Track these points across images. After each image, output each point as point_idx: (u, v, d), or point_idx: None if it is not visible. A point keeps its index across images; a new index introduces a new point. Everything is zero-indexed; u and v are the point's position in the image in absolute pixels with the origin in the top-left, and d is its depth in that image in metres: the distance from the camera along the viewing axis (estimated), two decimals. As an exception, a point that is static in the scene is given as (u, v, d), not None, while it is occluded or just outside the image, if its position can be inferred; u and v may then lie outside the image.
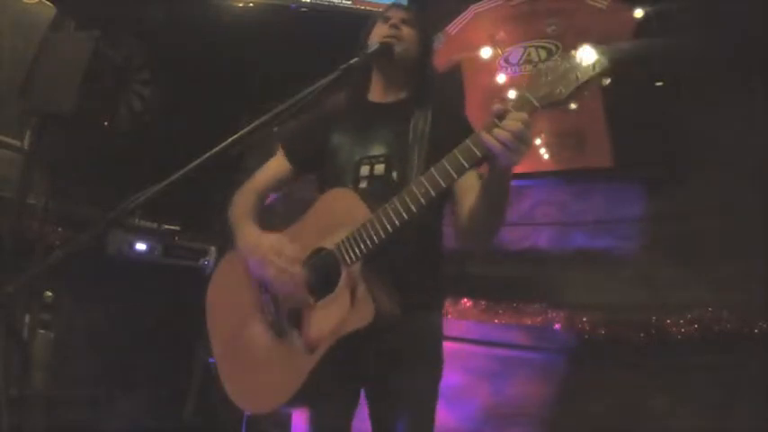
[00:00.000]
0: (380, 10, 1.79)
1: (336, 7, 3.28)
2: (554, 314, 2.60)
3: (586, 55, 1.14)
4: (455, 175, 1.24)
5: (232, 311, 1.56)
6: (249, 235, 1.51)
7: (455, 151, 1.24)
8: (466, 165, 1.22)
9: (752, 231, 2.39)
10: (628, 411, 2.44)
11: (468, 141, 1.23)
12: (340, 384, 1.47)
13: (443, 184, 1.25)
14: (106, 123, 3.20)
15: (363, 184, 1.50)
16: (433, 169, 1.26)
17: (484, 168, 1.32)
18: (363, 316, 1.27)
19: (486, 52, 3.12)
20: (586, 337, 2.52)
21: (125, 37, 3.28)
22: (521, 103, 1.19)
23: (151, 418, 3.28)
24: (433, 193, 1.25)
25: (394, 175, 1.48)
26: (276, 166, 1.68)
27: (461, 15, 3.25)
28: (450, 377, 2.78)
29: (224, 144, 1.24)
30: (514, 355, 2.74)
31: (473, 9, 3.23)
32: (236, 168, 4.03)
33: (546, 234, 2.88)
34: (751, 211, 2.40)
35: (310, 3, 3.27)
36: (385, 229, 1.29)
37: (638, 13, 2.71)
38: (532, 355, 2.70)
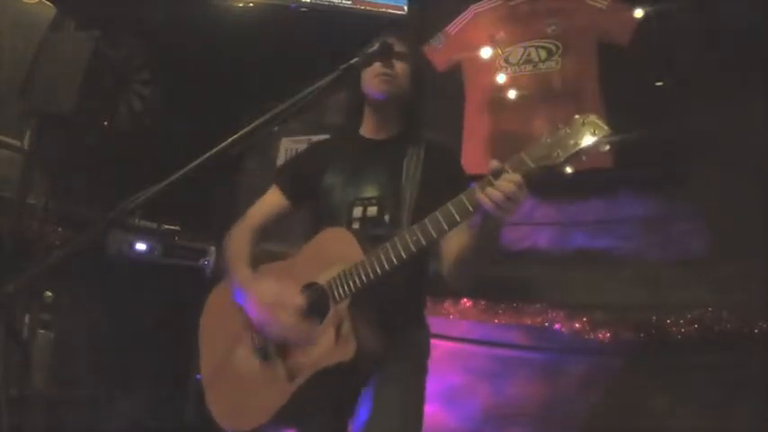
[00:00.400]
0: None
1: (336, 7, 3.28)
2: (554, 314, 2.60)
3: (588, 122, 1.17)
4: (447, 228, 1.28)
5: (223, 335, 1.60)
6: (244, 280, 1.54)
7: (449, 205, 1.28)
8: (458, 219, 1.26)
9: (752, 231, 2.39)
10: (628, 411, 2.44)
11: (462, 196, 1.27)
12: (327, 413, 1.52)
13: (434, 235, 1.29)
14: (106, 123, 3.21)
15: (356, 225, 1.55)
16: (426, 220, 1.31)
17: None
18: (346, 352, 1.33)
19: (486, 52, 3.12)
20: (586, 337, 2.52)
21: (125, 37, 3.28)
22: (517, 163, 1.21)
23: (151, 418, 3.28)
24: (423, 242, 1.30)
25: (386, 217, 1.54)
26: (271, 201, 1.72)
27: (461, 15, 3.25)
28: (450, 377, 2.80)
29: (224, 144, 1.25)
30: (514, 355, 2.74)
31: (473, 9, 3.23)
32: (236, 168, 4.04)
33: (546, 234, 2.88)
34: (751, 211, 2.40)
35: (310, 3, 3.27)
36: (375, 271, 1.34)
37: (638, 13, 2.71)
38: (532, 355, 2.70)
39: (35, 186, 2.91)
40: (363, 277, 1.36)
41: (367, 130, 1.69)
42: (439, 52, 3.28)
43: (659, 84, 2.66)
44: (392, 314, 1.45)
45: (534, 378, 2.68)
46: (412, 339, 1.58)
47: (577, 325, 2.54)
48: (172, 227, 3.31)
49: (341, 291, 1.39)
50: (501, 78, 3.08)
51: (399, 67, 1.60)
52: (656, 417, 2.39)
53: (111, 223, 1.24)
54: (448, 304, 2.78)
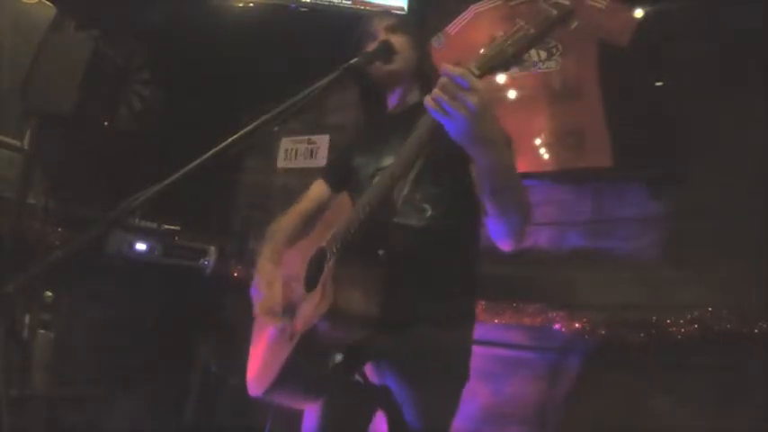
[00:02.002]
0: (377, 9, 1.81)
1: (336, 7, 3.28)
2: (554, 314, 2.59)
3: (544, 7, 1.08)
4: (416, 149, 1.22)
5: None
6: (264, 256, 1.67)
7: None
8: (426, 136, 1.20)
9: (752, 231, 2.38)
10: (628, 411, 2.44)
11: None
12: (342, 391, 1.47)
13: (407, 160, 1.25)
14: (106, 123, 3.20)
15: None
16: (402, 146, 1.27)
17: None
18: (322, 307, 1.29)
19: (486, 52, 3.12)
20: (586, 337, 2.51)
21: (125, 37, 3.28)
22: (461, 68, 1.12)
23: (151, 418, 3.28)
24: (397, 173, 1.26)
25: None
26: (317, 190, 1.81)
27: (461, 15, 3.25)
28: (451, 377, 2.79)
29: (224, 144, 1.24)
30: (514, 355, 2.74)
31: (473, 9, 3.23)
32: (236, 168, 4.04)
33: (546, 234, 2.88)
34: (751, 211, 2.40)
35: (310, 3, 3.26)
36: (354, 222, 1.31)
37: (638, 12, 2.70)
38: (532, 355, 2.70)
39: (35, 186, 2.91)
40: (348, 231, 1.33)
41: (389, 105, 1.72)
42: (439, 52, 3.27)
43: (659, 84, 2.65)
44: (413, 298, 1.42)
45: (534, 378, 2.68)
46: (445, 342, 1.50)
47: (577, 325, 2.53)
48: (172, 227, 3.31)
49: (333, 249, 1.37)
50: (501, 78, 3.07)
51: (399, 41, 1.60)
52: (655, 417, 2.39)
53: (111, 223, 1.23)
54: (448, 304, 2.78)
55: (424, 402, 1.45)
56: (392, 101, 1.71)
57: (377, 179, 1.35)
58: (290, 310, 1.49)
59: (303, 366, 1.39)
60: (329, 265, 1.36)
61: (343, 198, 1.47)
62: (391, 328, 1.36)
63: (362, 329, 1.33)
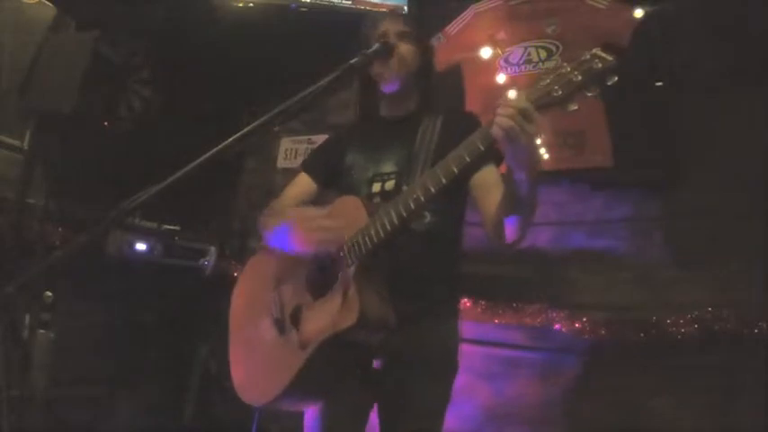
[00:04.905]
0: (382, 10, 1.81)
1: (336, 7, 3.28)
2: (554, 314, 2.59)
3: (591, 56, 1.14)
4: (456, 171, 1.27)
5: (248, 309, 1.66)
6: (281, 212, 1.60)
7: (459, 147, 1.28)
8: (467, 158, 1.26)
9: (752, 231, 2.38)
10: (628, 411, 2.44)
11: (472, 136, 1.27)
12: (347, 388, 1.50)
13: (444, 181, 1.28)
14: (106, 123, 3.20)
15: (377, 200, 1.56)
16: (436, 167, 1.30)
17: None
18: (349, 317, 1.32)
19: (486, 52, 3.12)
20: (586, 337, 2.51)
21: (125, 37, 3.28)
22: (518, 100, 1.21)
23: (151, 418, 3.28)
24: (432, 191, 1.29)
25: (404, 189, 1.50)
26: (301, 183, 1.77)
27: (461, 15, 3.25)
28: (450, 377, 2.79)
29: (224, 144, 1.24)
30: (514, 355, 2.74)
31: (473, 9, 3.23)
32: (236, 168, 4.05)
33: (546, 234, 2.88)
34: (750, 211, 2.40)
35: (310, 3, 3.26)
36: (377, 233, 1.35)
37: (638, 13, 2.70)
38: (532, 355, 2.70)
39: (35, 186, 2.91)
40: (368, 242, 1.36)
41: (386, 109, 1.72)
42: (439, 52, 3.27)
43: (659, 84, 2.65)
44: (413, 298, 1.45)
45: (534, 378, 2.68)
46: (439, 337, 1.56)
47: (577, 325, 2.53)
48: (172, 227, 3.31)
49: (349, 257, 1.39)
50: (501, 78, 3.08)
51: (404, 48, 1.61)
52: (655, 417, 2.39)
53: (111, 223, 1.23)
54: (448, 304, 2.78)
55: (420, 394, 1.49)
56: (391, 105, 1.71)
57: (403, 194, 1.36)
58: (292, 316, 1.48)
59: (317, 374, 1.42)
60: (348, 273, 1.38)
61: (353, 202, 1.47)
62: (397, 326, 1.40)
63: (382, 334, 1.38)
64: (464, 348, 2.81)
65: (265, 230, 1.62)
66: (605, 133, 2.71)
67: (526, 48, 3.02)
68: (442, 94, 3.20)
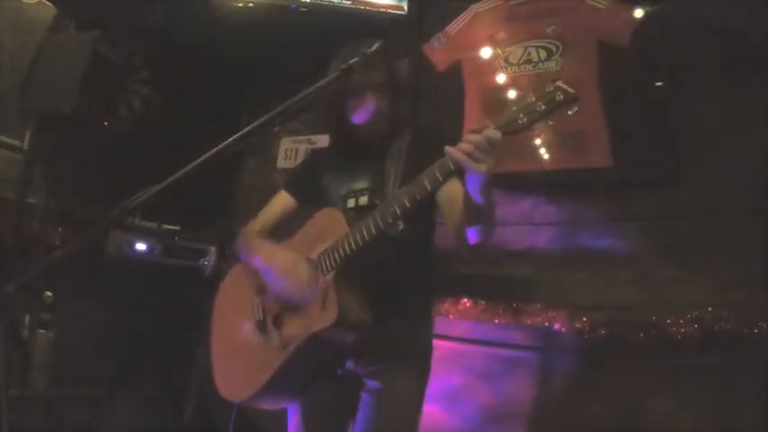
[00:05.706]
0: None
1: (336, 7, 3.28)
2: (554, 314, 2.59)
3: (553, 88, 1.28)
4: (429, 187, 1.39)
5: (232, 314, 1.77)
6: (262, 247, 1.72)
7: (432, 166, 1.39)
8: (440, 178, 1.37)
9: (752, 231, 2.38)
10: (628, 411, 2.44)
11: (444, 158, 1.37)
12: (324, 386, 1.63)
13: (418, 197, 1.40)
14: (106, 123, 3.21)
15: (351, 215, 1.64)
16: (410, 185, 1.43)
17: None
18: (328, 317, 1.45)
19: (486, 52, 3.12)
20: (586, 337, 2.51)
21: (125, 37, 3.28)
22: (483, 127, 1.33)
23: (151, 418, 3.28)
24: (408, 204, 1.41)
25: (377, 203, 1.61)
26: (282, 202, 1.88)
27: (461, 15, 3.25)
28: (451, 377, 2.80)
29: (224, 144, 1.24)
30: (514, 355, 2.74)
31: (473, 9, 3.23)
32: (236, 168, 4.05)
33: (546, 234, 2.88)
34: (750, 211, 2.40)
35: (310, 3, 3.26)
36: (356, 242, 1.47)
37: (638, 12, 2.70)
38: (532, 355, 2.70)
39: (35, 186, 2.91)
40: (347, 249, 1.49)
41: (357, 132, 1.75)
42: (439, 52, 3.27)
43: (659, 84, 2.65)
44: (387, 300, 1.55)
45: (534, 378, 2.68)
46: (413, 336, 1.67)
47: (577, 325, 2.53)
48: (172, 227, 3.31)
49: (328, 263, 1.52)
50: (501, 78, 3.08)
51: (381, 104, 1.68)
52: (655, 417, 2.39)
53: (112, 223, 1.23)
54: (448, 304, 2.78)
55: (395, 388, 1.58)
56: (361, 129, 1.73)
57: (379, 207, 1.48)
58: (274, 320, 1.60)
59: (295, 373, 1.55)
60: (327, 278, 1.52)
61: (334, 213, 1.60)
62: (373, 327, 1.52)
63: (359, 334, 1.52)
64: (464, 348, 2.83)
65: (248, 250, 1.74)
66: (605, 133, 2.71)
67: (526, 48, 3.02)
68: (442, 94, 3.23)
